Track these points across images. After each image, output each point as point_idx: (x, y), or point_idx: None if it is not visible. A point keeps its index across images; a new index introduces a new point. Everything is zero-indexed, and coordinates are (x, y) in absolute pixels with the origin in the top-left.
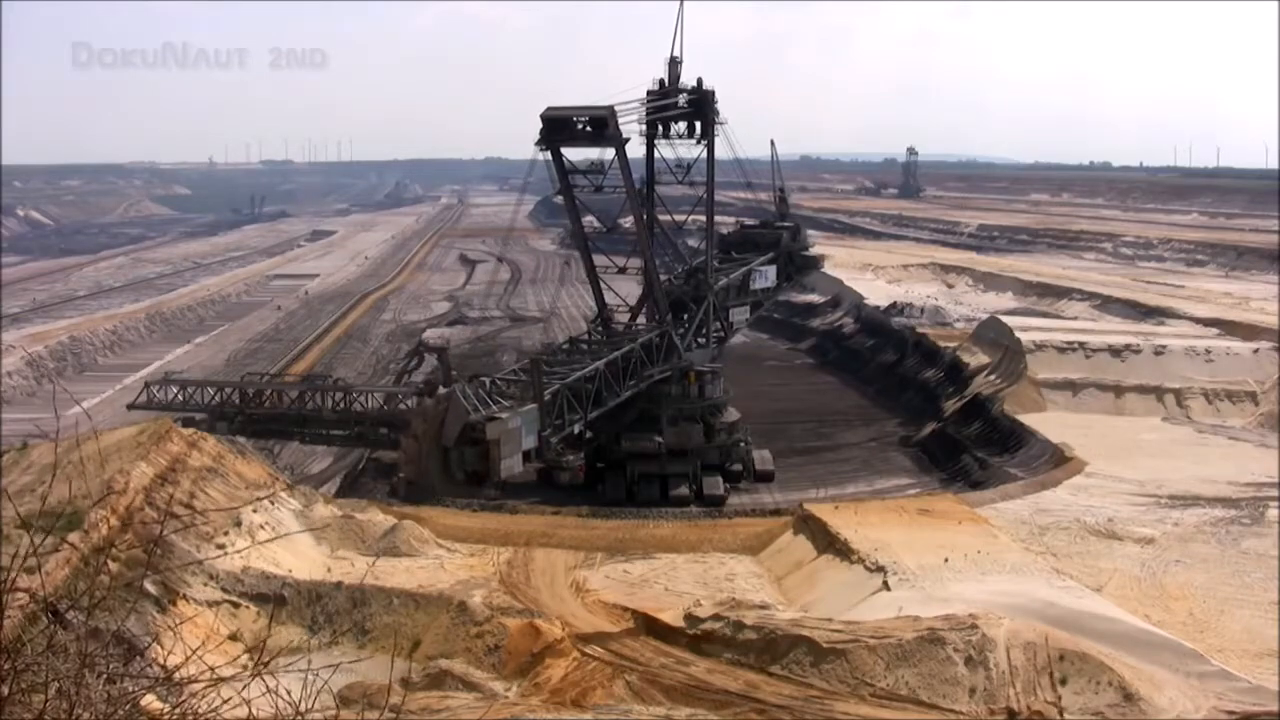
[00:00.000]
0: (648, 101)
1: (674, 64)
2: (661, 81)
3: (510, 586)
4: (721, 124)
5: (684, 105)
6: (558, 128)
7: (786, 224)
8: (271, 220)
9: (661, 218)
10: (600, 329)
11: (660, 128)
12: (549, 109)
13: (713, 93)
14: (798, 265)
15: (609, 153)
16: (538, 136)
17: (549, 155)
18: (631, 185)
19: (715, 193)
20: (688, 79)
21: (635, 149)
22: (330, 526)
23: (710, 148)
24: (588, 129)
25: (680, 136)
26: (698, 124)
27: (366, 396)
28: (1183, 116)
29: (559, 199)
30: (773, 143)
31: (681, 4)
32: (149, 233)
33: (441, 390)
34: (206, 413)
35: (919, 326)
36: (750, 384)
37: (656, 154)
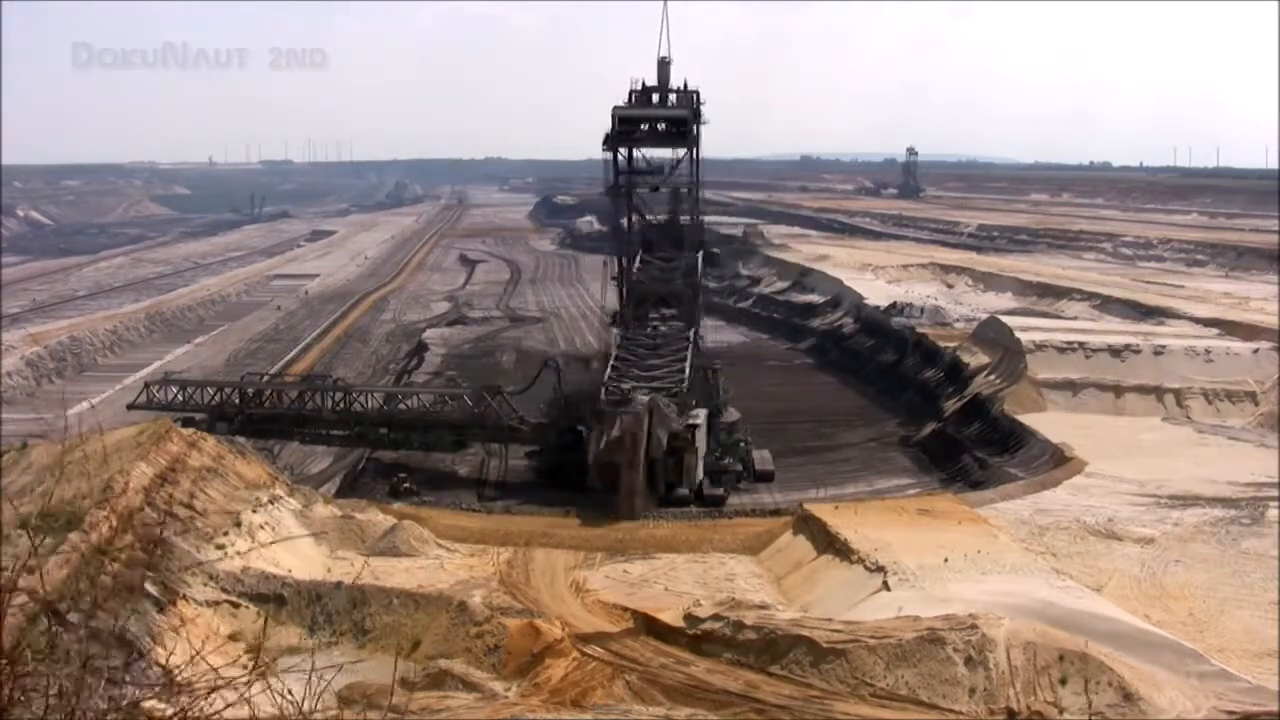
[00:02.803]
0: (626, 107)
1: (663, 65)
2: (643, 82)
3: (510, 586)
4: (705, 123)
5: (666, 127)
6: (630, 127)
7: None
8: (271, 220)
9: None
10: (627, 330)
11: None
12: (621, 108)
13: (697, 93)
14: (709, 261)
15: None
16: (606, 135)
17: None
18: (697, 185)
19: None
20: (690, 80)
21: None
22: (330, 526)
23: (695, 150)
24: (660, 128)
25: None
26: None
27: (367, 396)
28: (1183, 116)
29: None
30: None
31: (665, 5)
32: (149, 233)
33: (637, 402)
34: (206, 413)
35: (919, 326)
36: (750, 384)
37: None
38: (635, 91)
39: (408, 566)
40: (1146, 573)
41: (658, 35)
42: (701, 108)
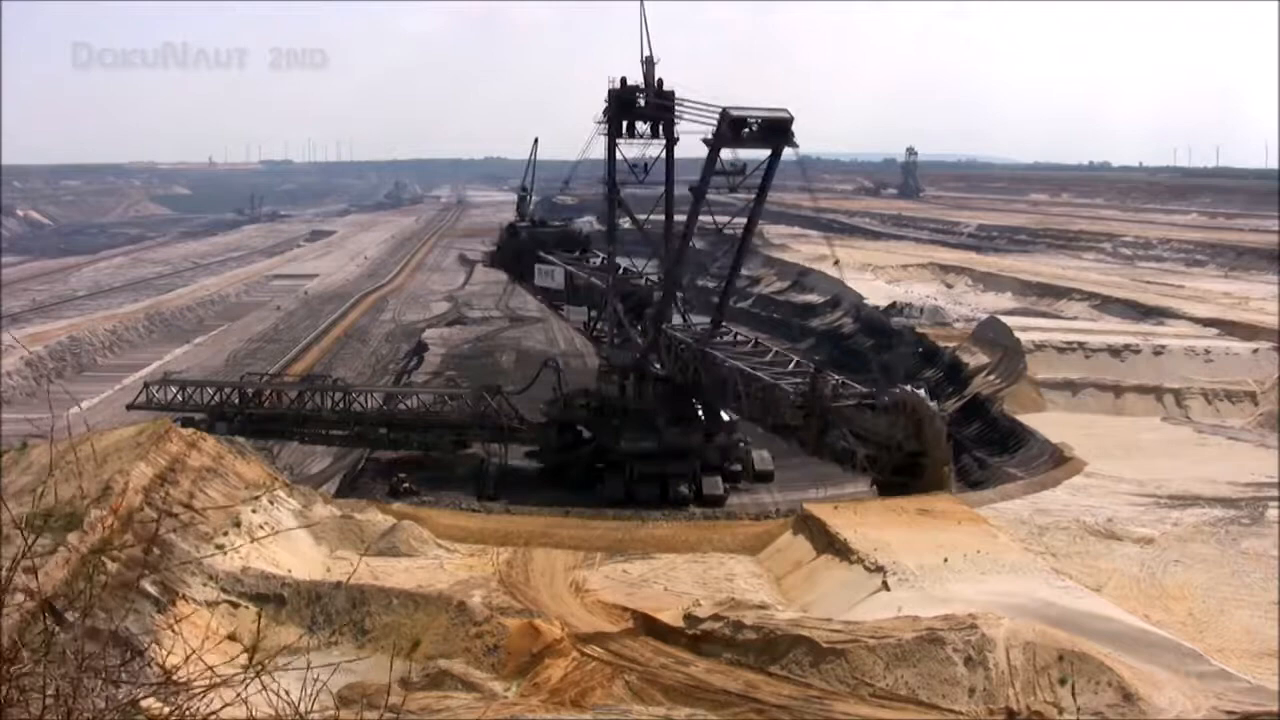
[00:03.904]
0: (736, 107)
1: (648, 64)
2: (623, 79)
3: (510, 586)
4: (678, 120)
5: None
6: (736, 128)
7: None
8: (270, 220)
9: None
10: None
11: (623, 126)
12: (732, 109)
13: (673, 94)
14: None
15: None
16: (714, 133)
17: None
18: (767, 190)
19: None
20: (693, 80)
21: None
22: (329, 527)
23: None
24: (755, 130)
25: (642, 137)
26: (661, 125)
27: (366, 396)
28: (1182, 116)
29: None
30: (535, 140)
31: (642, 5)
32: (149, 233)
33: (905, 390)
34: (206, 413)
35: (918, 326)
36: None
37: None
38: (614, 90)
39: (407, 566)
40: (1146, 573)
41: (663, 34)
42: (677, 107)
